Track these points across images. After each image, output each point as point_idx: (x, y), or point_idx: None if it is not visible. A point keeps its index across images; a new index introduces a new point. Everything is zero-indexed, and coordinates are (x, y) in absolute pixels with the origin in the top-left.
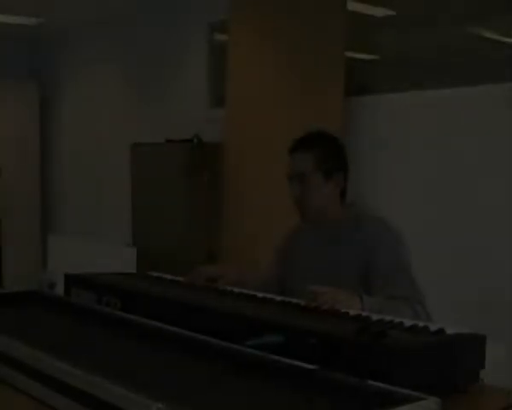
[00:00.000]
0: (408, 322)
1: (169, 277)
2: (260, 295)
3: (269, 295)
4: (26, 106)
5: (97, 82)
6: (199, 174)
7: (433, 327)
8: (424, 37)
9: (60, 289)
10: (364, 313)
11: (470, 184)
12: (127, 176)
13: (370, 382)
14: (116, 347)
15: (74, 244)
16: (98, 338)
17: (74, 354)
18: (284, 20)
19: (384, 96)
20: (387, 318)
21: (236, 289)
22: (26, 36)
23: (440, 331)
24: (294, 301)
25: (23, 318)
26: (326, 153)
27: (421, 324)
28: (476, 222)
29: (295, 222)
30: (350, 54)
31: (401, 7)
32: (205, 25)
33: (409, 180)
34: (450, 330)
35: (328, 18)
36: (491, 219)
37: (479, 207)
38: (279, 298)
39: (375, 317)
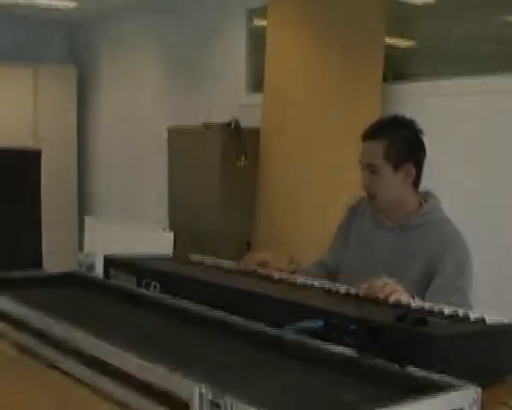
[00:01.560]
0: (448, 310)
1: (209, 260)
2: (300, 280)
3: (309, 281)
4: (64, 89)
5: (135, 65)
6: (236, 159)
7: (473, 316)
8: (463, 24)
9: (98, 272)
10: (404, 301)
11: (507, 174)
12: (164, 159)
13: (410, 368)
14: (156, 328)
15: (110, 227)
16: (139, 320)
17: (116, 334)
18: (323, 5)
19: (422, 84)
20: (428, 306)
21: (276, 274)
22: (64, 19)
23: (481, 320)
24: (335, 287)
25: (64, 299)
26: (396, 142)
27: (461, 312)
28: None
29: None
30: (389, 40)
31: None
32: (244, 10)
33: (449, 168)
34: (490, 320)
35: (368, 4)
36: None
37: None
38: (318, 284)
39: (415, 304)
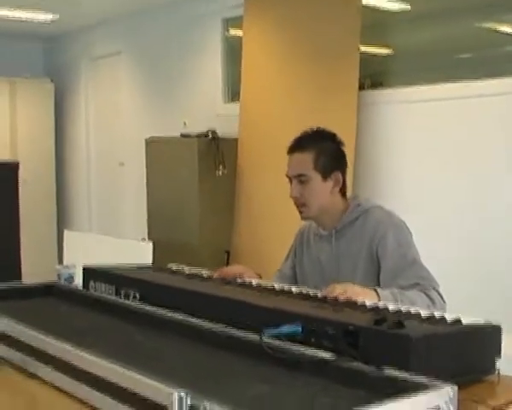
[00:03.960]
0: (425, 312)
1: (187, 269)
2: (278, 286)
3: (286, 287)
4: (42, 103)
5: (112, 78)
6: (214, 169)
7: (449, 317)
8: (438, 31)
9: (77, 283)
10: (382, 304)
11: (482, 178)
12: (142, 171)
13: (388, 370)
14: (136, 337)
15: (89, 240)
16: (118, 329)
17: (95, 343)
18: (298, 15)
19: (398, 91)
20: (405, 308)
21: (254, 281)
22: (41, 32)
23: (457, 321)
24: (312, 292)
25: (43, 310)
26: (323, 153)
27: (438, 314)
28: (486, 227)
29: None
30: (364, 48)
31: (416, 1)
32: (219, 21)
33: (423, 173)
34: (466, 321)
35: (342, 12)
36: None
37: (494, 204)
38: (296, 289)
39: (392, 307)
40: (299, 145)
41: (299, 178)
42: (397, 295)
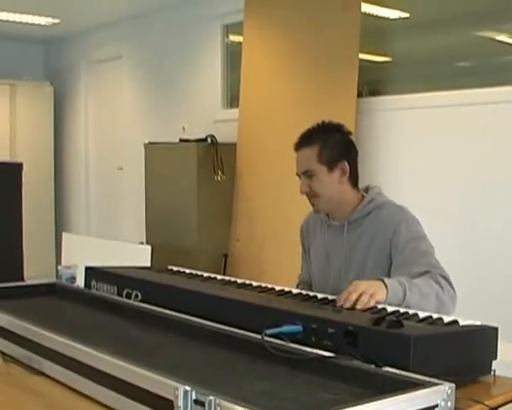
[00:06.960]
0: (422, 314)
1: (188, 270)
2: (278, 287)
3: (287, 288)
4: (41, 106)
5: (112, 82)
6: (213, 174)
7: (446, 319)
8: (437, 39)
9: (79, 284)
10: (380, 306)
11: (476, 185)
12: (141, 175)
13: (386, 368)
14: (137, 335)
15: (88, 242)
16: (120, 327)
17: (100, 341)
18: (298, 22)
19: (396, 98)
20: (402, 310)
21: (255, 282)
22: (42, 36)
23: (454, 322)
24: (312, 293)
25: (47, 308)
26: (327, 145)
27: (435, 316)
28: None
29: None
30: (363, 56)
31: (415, 9)
32: (219, 26)
33: (420, 181)
34: (463, 322)
35: (342, 19)
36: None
37: (488, 214)
38: (296, 291)
39: (390, 309)
40: (303, 142)
41: (307, 174)
42: (404, 283)
